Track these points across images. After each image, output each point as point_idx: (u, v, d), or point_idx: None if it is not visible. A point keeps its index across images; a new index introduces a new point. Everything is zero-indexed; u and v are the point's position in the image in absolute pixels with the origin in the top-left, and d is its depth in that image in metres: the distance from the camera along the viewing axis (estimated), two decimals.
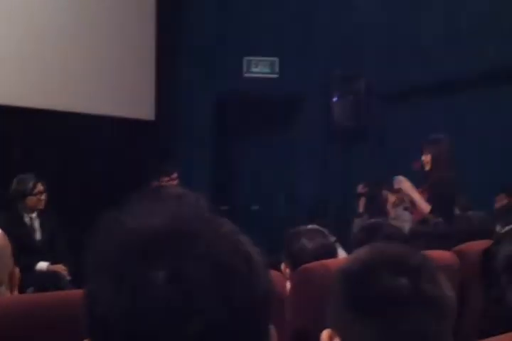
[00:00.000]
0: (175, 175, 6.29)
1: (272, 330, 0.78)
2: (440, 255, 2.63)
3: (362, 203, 7.29)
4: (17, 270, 1.73)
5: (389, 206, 6.19)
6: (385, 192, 6.45)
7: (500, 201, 6.19)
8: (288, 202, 8.74)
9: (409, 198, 5.26)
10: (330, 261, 2.26)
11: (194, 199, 1.83)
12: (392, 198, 6.13)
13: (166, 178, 6.18)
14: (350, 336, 1.22)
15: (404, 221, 5.52)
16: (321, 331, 1.25)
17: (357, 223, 6.67)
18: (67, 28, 7.09)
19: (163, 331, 0.70)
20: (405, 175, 5.20)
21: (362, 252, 1.31)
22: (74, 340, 0.85)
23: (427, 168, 5.08)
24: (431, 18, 7.53)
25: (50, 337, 1.38)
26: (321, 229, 2.90)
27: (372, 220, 3.33)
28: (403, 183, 5.10)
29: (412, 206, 5.23)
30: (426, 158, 5.06)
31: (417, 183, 5.16)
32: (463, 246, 2.98)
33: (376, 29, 8.05)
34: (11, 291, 1.70)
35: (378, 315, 1.19)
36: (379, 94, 8.08)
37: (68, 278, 5.18)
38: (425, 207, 4.94)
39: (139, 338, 0.70)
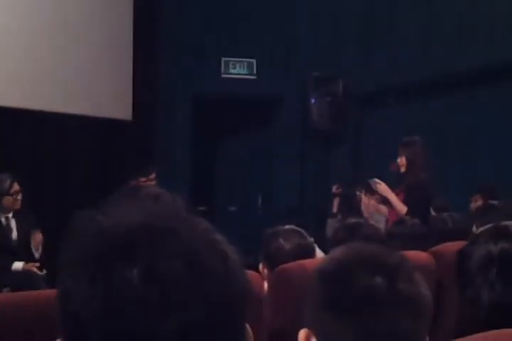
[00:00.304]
0: (153, 175, 6.26)
1: (248, 329, 0.78)
2: (416, 256, 2.64)
3: (336, 203, 7.30)
4: None
5: (363, 207, 6.20)
6: (358, 193, 6.46)
7: (476, 201, 6.23)
8: (265, 202, 8.75)
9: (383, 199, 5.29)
10: (307, 262, 2.26)
11: (171, 199, 1.83)
12: (366, 200, 6.15)
13: (144, 179, 6.15)
14: (327, 336, 1.22)
15: (378, 221, 5.53)
16: (298, 331, 1.25)
17: (330, 223, 6.68)
18: (42, 27, 7.04)
19: (139, 329, 0.69)
20: (382, 176, 5.23)
21: (338, 252, 1.31)
22: (47, 339, 0.84)
23: (403, 170, 5.12)
24: (408, 21, 7.57)
25: (24, 336, 1.37)
26: (298, 229, 2.89)
27: (353, 220, 3.32)
28: (379, 185, 5.13)
29: (389, 207, 5.26)
30: (401, 160, 5.10)
31: (393, 185, 5.19)
32: (439, 247, 2.99)
33: (353, 31, 8.08)
34: None
35: (355, 315, 1.19)
36: (356, 95, 8.11)
37: (43, 272, 5.16)
38: (401, 208, 4.98)
39: (113, 336, 0.69)
